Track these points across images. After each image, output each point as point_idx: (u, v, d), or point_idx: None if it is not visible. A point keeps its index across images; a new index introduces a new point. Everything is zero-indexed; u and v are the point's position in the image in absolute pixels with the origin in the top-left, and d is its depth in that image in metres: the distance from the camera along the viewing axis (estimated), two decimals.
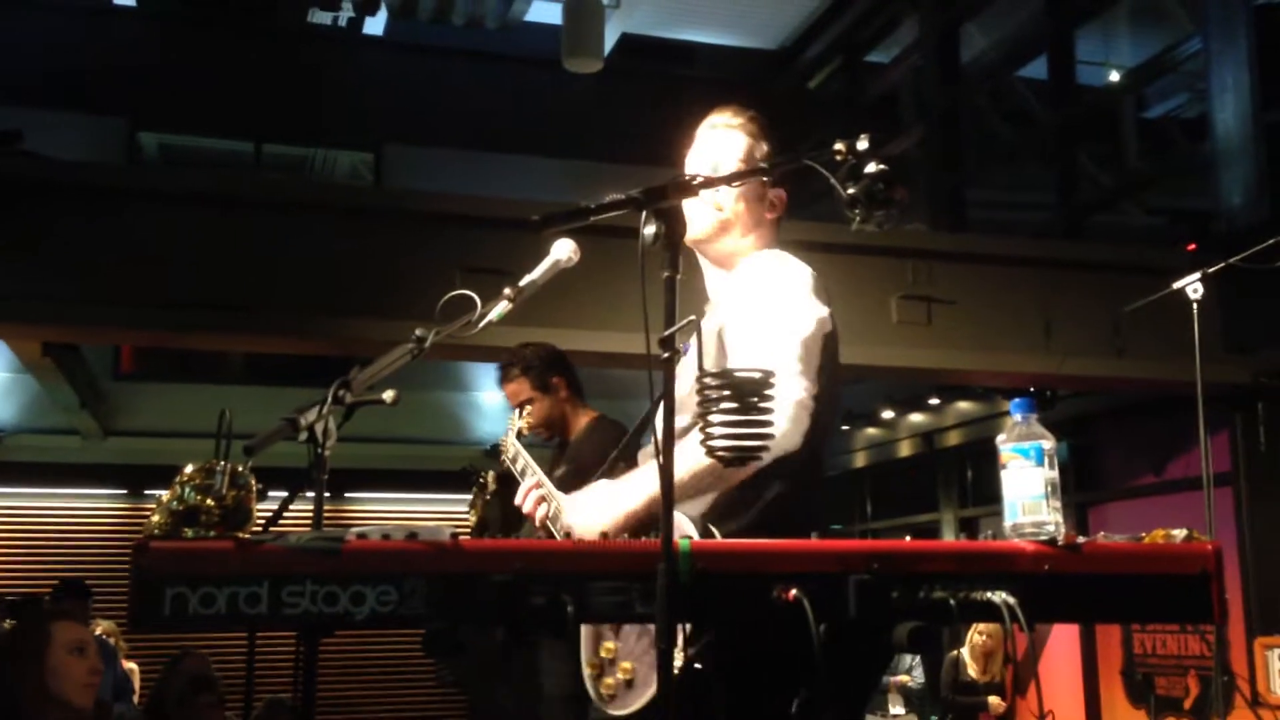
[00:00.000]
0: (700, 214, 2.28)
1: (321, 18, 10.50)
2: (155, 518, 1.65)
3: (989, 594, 1.70)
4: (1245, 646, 6.06)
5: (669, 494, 1.60)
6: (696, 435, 1.74)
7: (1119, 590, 1.82)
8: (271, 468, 1.82)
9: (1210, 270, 3.74)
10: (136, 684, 6.49)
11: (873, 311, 5.93)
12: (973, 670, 7.30)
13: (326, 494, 1.92)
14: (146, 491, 9.28)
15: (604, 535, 1.88)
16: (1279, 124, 6.47)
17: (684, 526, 1.96)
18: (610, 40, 9.46)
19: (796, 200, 2.39)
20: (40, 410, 8.97)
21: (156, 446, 8.81)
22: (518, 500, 2.53)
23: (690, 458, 1.88)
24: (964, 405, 8.53)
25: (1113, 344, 6.08)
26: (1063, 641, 7.72)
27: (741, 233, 2.31)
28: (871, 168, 1.74)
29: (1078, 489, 7.72)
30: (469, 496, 3.99)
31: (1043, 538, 1.80)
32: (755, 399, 1.68)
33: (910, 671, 7.91)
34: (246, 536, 1.63)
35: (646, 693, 1.97)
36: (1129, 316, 4.51)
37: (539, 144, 10.03)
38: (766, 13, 10.20)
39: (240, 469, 1.69)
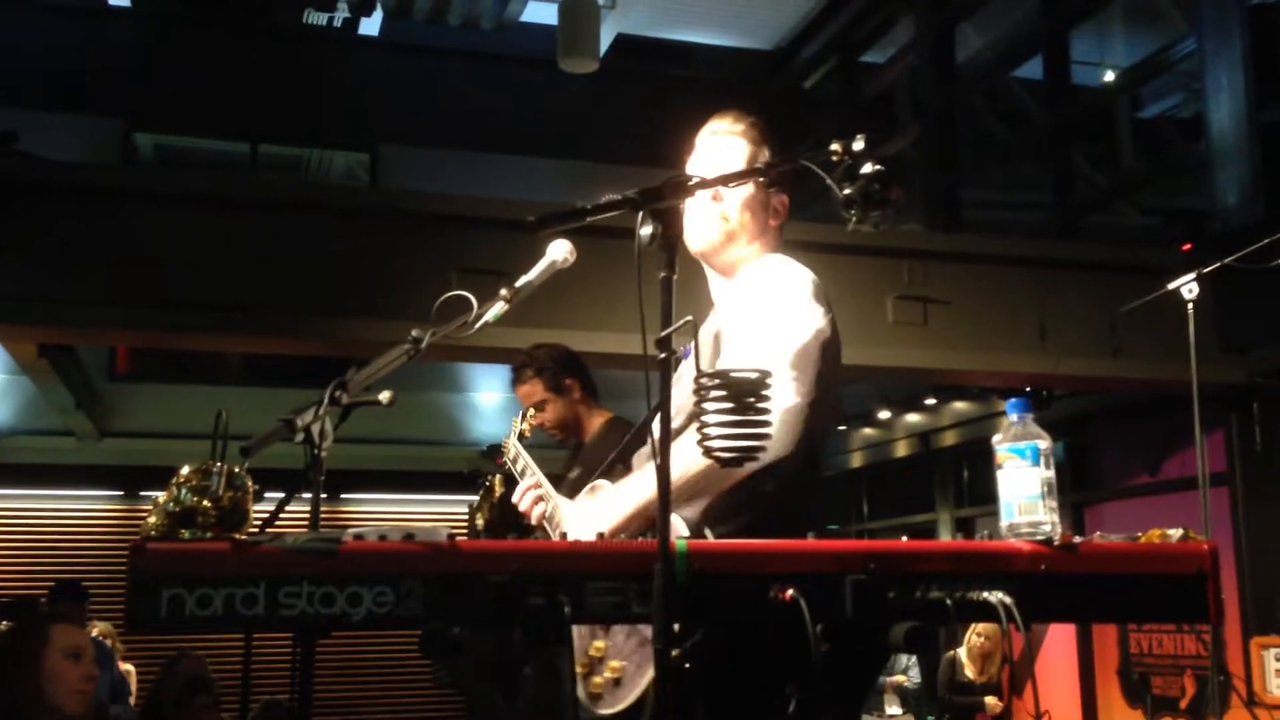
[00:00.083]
0: (706, 225, 2.28)
1: (317, 18, 10.49)
2: (152, 519, 1.65)
3: (985, 594, 1.70)
4: (1241, 646, 6.07)
5: (666, 495, 1.60)
6: (691, 437, 1.74)
7: (1115, 590, 1.83)
8: (268, 469, 1.82)
9: (1205, 270, 3.75)
10: (134, 685, 6.49)
11: (868, 312, 5.93)
12: (970, 671, 7.30)
13: (323, 495, 1.92)
14: (143, 493, 9.27)
15: (600, 538, 1.88)
16: (1273, 124, 6.48)
17: (679, 529, 1.96)
18: (606, 41, 9.46)
19: (793, 201, 2.39)
20: (36, 411, 8.96)
21: (152, 448, 8.80)
22: (515, 498, 2.55)
23: (684, 460, 1.88)
24: (960, 405, 8.54)
25: (1108, 344, 6.09)
26: (1059, 641, 7.73)
27: (747, 241, 2.30)
28: (867, 168, 1.74)
29: (1074, 489, 7.73)
30: (466, 497, 4.01)
31: (1039, 538, 1.80)
32: (752, 399, 1.68)
33: (906, 672, 7.91)
34: (243, 538, 1.63)
35: (634, 692, 1.98)
36: (1124, 316, 4.52)
37: (535, 144, 10.03)
38: (762, 13, 10.20)
39: (237, 470, 1.69)
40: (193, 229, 5.47)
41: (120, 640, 6.71)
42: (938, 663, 7.43)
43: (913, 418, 9.13)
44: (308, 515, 1.91)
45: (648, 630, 1.94)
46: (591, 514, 2.13)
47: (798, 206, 2.39)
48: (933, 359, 6.24)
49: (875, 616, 1.68)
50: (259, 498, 1.70)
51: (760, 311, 2.13)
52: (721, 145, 2.33)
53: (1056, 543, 1.79)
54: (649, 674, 1.96)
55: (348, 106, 10.20)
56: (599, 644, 2.08)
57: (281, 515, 1.92)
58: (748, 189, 2.29)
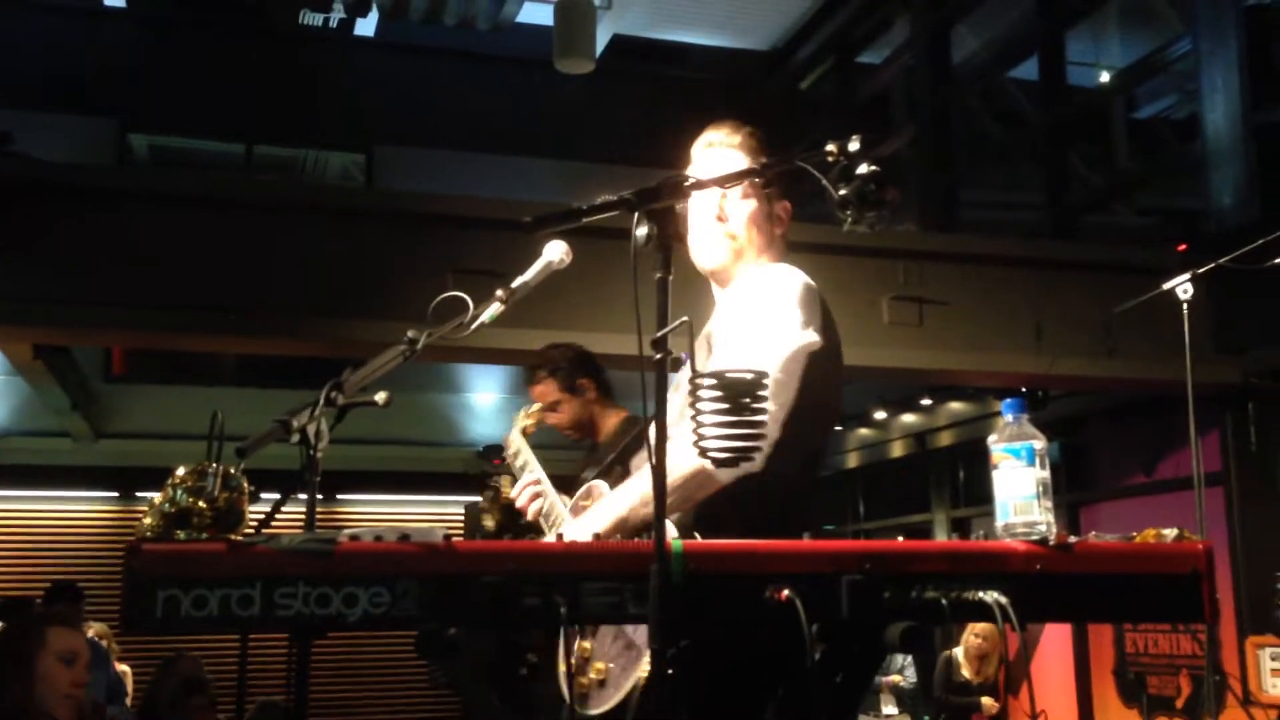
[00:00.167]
0: (714, 246, 2.28)
1: (313, 19, 10.48)
2: (147, 520, 1.65)
3: (981, 594, 1.70)
4: (1237, 646, 6.08)
5: (661, 494, 1.60)
6: (683, 441, 1.74)
7: (1111, 590, 1.83)
8: (264, 470, 1.81)
9: (1200, 271, 3.75)
10: (130, 686, 6.48)
11: (864, 313, 5.93)
12: (967, 671, 7.30)
13: (319, 496, 1.91)
14: (138, 494, 9.25)
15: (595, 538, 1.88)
16: (1268, 124, 6.49)
17: (668, 533, 1.96)
18: (602, 41, 9.47)
19: (790, 203, 2.39)
20: (31, 413, 8.94)
21: (148, 449, 8.79)
22: (513, 493, 2.57)
23: (676, 464, 1.87)
24: (956, 406, 8.55)
25: (1104, 344, 6.10)
26: (1055, 641, 7.74)
27: (756, 255, 2.30)
28: (863, 169, 1.75)
29: (1069, 489, 7.73)
30: (462, 498, 4.01)
31: (1034, 538, 1.80)
32: (747, 400, 1.68)
33: (902, 672, 7.91)
34: (239, 538, 1.63)
35: (618, 694, 1.99)
36: (1120, 317, 4.52)
37: (531, 145, 10.03)
38: (758, 13, 10.20)
39: (233, 471, 1.69)
40: (188, 230, 5.46)
41: (116, 641, 6.70)
42: (934, 663, 7.43)
43: (909, 418, 9.14)
44: (304, 516, 1.90)
45: (633, 633, 1.95)
46: (587, 524, 2.13)
47: (793, 207, 2.39)
48: (928, 359, 6.24)
49: (871, 617, 1.68)
50: (255, 499, 1.69)
51: (747, 325, 2.12)
52: (718, 158, 2.29)
53: (1052, 543, 1.79)
54: (633, 676, 1.97)
55: (343, 107, 10.19)
56: (585, 645, 2.09)
57: (277, 516, 1.92)
58: (751, 204, 2.29)
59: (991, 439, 1.88)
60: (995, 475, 1.87)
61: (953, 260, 6.37)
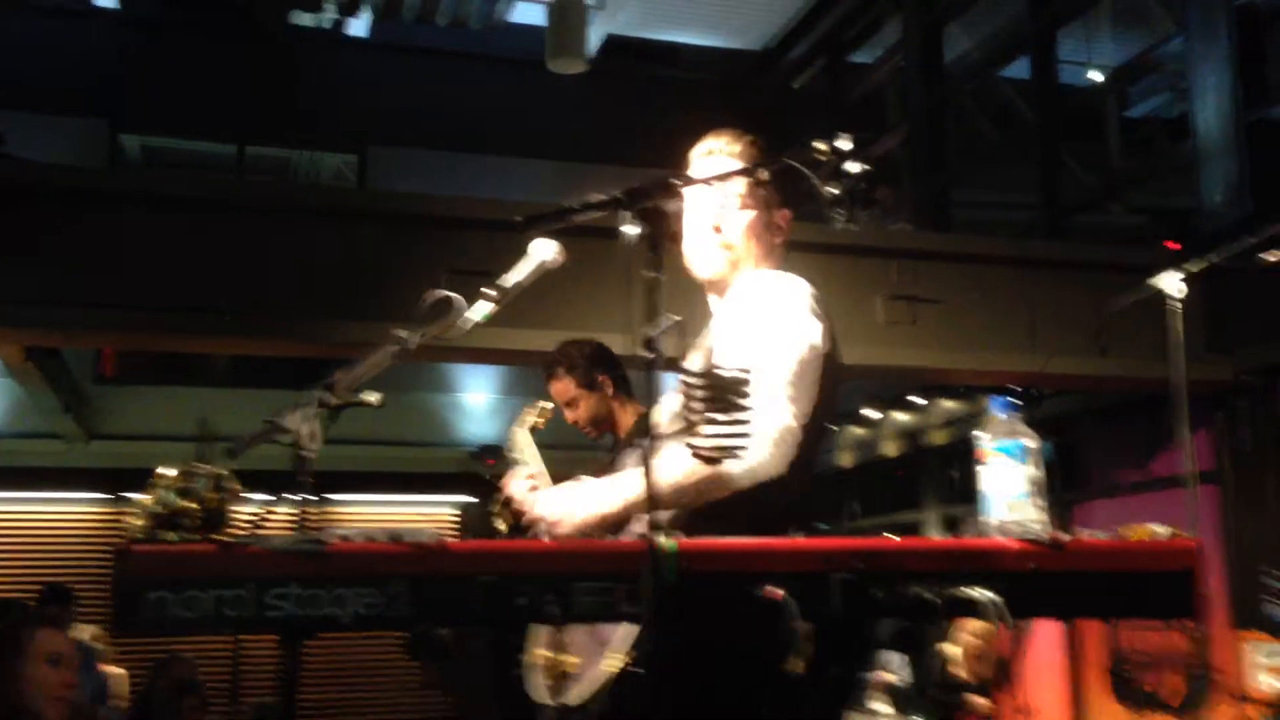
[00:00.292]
0: (711, 256, 2.25)
1: (304, 19, 10.47)
2: (136, 521, 1.64)
3: (973, 591, 1.70)
4: (1229, 642, 6.09)
5: (653, 492, 1.60)
6: (678, 445, 1.73)
7: (1103, 587, 1.83)
8: (255, 470, 1.81)
9: (1192, 269, 3.75)
10: (125, 689, 6.46)
11: (858, 312, 5.93)
12: (961, 669, 7.30)
13: (310, 496, 1.91)
14: (130, 495, 9.21)
15: (573, 527, 1.88)
16: (1260, 123, 6.51)
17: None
18: (594, 41, 9.46)
19: (787, 204, 2.37)
20: (22, 414, 8.91)
21: (140, 450, 8.75)
22: (506, 482, 2.58)
23: (672, 469, 1.86)
24: (949, 404, 8.55)
25: (1097, 343, 6.10)
26: (1047, 638, 7.74)
27: (754, 265, 2.26)
28: (854, 167, 1.75)
29: (1063, 487, 7.74)
30: (456, 498, 3.99)
31: (1027, 536, 1.80)
32: (734, 397, 1.68)
33: (895, 669, 7.91)
34: (229, 539, 1.63)
35: (589, 688, 1.99)
36: (1113, 315, 4.52)
37: (523, 145, 10.02)
38: (750, 13, 10.20)
39: (223, 472, 1.68)
40: (182, 231, 5.45)
41: (109, 643, 6.68)
42: (925, 661, 7.43)
43: (901, 417, 9.14)
44: (295, 517, 1.90)
45: (604, 629, 1.96)
46: (566, 499, 2.10)
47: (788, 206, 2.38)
48: (922, 358, 6.24)
49: (863, 614, 1.68)
50: (246, 499, 1.69)
51: (755, 330, 2.08)
52: (717, 167, 2.25)
53: (1045, 540, 1.79)
54: (603, 670, 1.97)
55: (336, 108, 10.18)
56: (556, 639, 2.10)
57: (269, 517, 1.91)
58: (750, 214, 2.25)
59: (981, 435, 1.88)
60: (986, 473, 1.87)
61: (946, 259, 6.37)
